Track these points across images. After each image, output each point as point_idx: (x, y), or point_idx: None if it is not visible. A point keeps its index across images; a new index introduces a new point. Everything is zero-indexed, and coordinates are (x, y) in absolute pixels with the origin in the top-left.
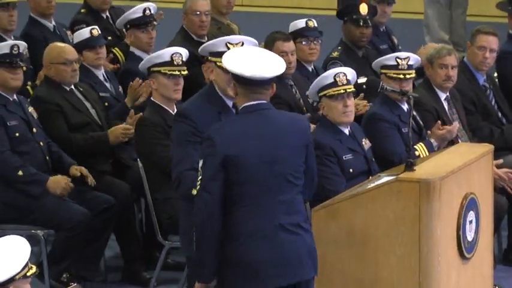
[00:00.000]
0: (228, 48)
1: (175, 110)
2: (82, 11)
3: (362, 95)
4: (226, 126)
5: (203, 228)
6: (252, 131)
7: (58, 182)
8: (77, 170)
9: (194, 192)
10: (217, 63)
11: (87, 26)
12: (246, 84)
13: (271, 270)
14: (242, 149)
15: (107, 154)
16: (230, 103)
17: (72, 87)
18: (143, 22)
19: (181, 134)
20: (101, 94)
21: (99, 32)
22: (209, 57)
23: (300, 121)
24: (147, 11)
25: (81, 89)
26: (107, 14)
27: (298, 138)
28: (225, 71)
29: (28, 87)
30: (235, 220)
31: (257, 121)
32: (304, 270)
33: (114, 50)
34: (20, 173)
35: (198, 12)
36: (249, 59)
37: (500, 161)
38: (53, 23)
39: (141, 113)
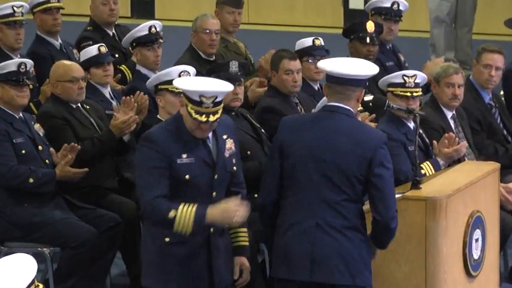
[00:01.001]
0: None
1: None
2: (88, 28)
3: (373, 116)
4: (296, 116)
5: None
6: (314, 126)
7: (66, 172)
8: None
9: (172, 214)
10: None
11: (94, 43)
12: (333, 82)
13: (300, 263)
14: (296, 140)
15: (112, 171)
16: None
17: (79, 104)
18: (149, 40)
19: (147, 159)
20: (107, 112)
21: (107, 49)
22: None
23: (370, 134)
24: (153, 29)
25: (87, 107)
26: (113, 31)
27: (356, 148)
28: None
29: (31, 104)
30: (281, 210)
31: (324, 120)
32: (331, 273)
33: (121, 68)
34: (31, 180)
35: (208, 31)
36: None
37: (511, 185)
38: (59, 41)
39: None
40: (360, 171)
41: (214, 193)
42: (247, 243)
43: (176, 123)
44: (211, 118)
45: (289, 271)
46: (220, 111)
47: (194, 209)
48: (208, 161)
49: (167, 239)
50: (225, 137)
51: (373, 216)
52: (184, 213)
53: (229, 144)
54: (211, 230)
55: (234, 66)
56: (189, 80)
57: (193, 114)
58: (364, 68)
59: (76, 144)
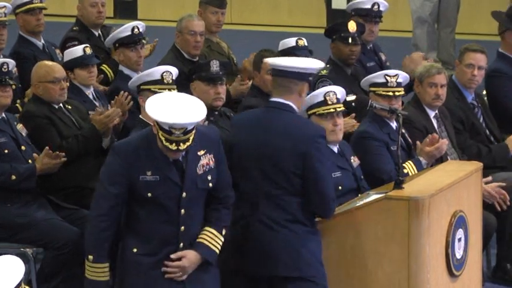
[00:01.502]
0: None
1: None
2: (74, 28)
3: (353, 115)
4: (244, 114)
5: None
6: (257, 124)
7: (45, 164)
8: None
9: (90, 257)
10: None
11: (79, 43)
12: (276, 75)
13: (248, 256)
14: (241, 137)
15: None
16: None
17: (61, 105)
18: (132, 41)
19: (109, 170)
20: (90, 112)
21: (92, 50)
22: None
23: (306, 129)
24: (136, 30)
25: (69, 107)
26: (99, 32)
27: (292, 143)
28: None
29: (17, 105)
30: (235, 203)
31: (266, 117)
32: (277, 266)
33: (103, 67)
34: (13, 177)
35: (193, 32)
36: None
37: (489, 178)
38: (42, 41)
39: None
40: (296, 165)
41: (182, 211)
42: (206, 242)
43: (148, 139)
44: (182, 147)
45: (239, 263)
46: (191, 138)
47: (103, 279)
48: (175, 179)
49: (135, 250)
50: (201, 152)
51: (311, 207)
52: (96, 273)
53: (206, 160)
54: (181, 245)
55: (215, 66)
56: (160, 106)
57: (164, 142)
58: (306, 62)
59: (60, 152)
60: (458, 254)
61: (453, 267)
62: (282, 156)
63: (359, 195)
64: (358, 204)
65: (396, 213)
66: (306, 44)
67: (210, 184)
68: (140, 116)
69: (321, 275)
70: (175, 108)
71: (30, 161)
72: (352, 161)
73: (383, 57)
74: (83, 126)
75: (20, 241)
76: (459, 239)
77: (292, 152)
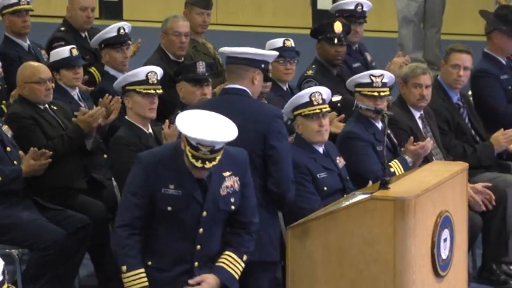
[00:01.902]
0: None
1: (149, 130)
2: (61, 29)
3: (342, 116)
4: (202, 103)
5: None
6: (216, 110)
7: (31, 166)
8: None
9: (123, 268)
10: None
11: (66, 44)
12: (229, 63)
13: None
14: None
15: (80, 172)
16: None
17: (46, 105)
18: (118, 42)
19: (132, 181)
20: (75, 113)
21: (78, 52)
22: None
23: (263, 110)
24: (122, 31)
25: (55, 108)
26: (86, 33)
27: (252, 125)
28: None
29: (3, 106)
30: None
31: (223, 103)
32: None
33: (91, 70)
34: (0, 178)
35: (178, 33)
36: None
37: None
38: (28, 42)
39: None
40: (258, 146)
41: (201, 230)
42: (226, 266)
43: (175, 151)
44: (207, 165)
45: None
46: (218, 158)
47: (143, 285)
48: (197, 197)
49: (149, 263)
50: (227, 174)
51: (269, 186)
52: (133, 282)
53: (230, 182)
54: (195, 264)
55: (201, 67)
56: (191, 121)
57: (190, 158)
58: (255, 49)
59: (46, 150)
60: (444, 254)
61: (439, 267)
62: (243, 137)
63: (345, 195)
64: (343, 205)
65: (382, 214)
66: (293, 44)
67: (233, 207)
68: (126, 117)
69: (276, 259)
70: (206, 126)
71: (15, 162)
72: (337, 161)
73: (368, 58)
74: (68, 127)
75: (5, 242)
76: (445, 239)
77: (252, 133)
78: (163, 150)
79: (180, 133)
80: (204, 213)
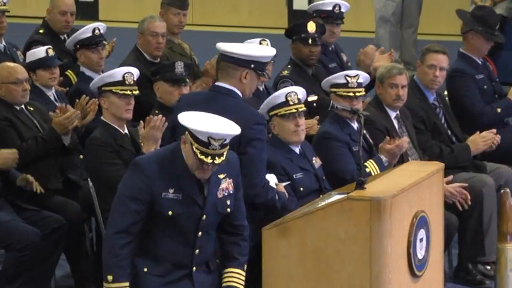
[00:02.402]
0: None
1: (125, 130)
2: (40, 31)
3: (317, 117)
4: (190, 95)
5: None
6: (203, 108)
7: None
8: (22, 179)
9: (109, 278)
10: None
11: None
12: (220, 60)
13: None
14: None
15: (56, 172)
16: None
17: (23, 106)
18: (93, 42)
19: (128, 186)
20: (51, 114)
21: (54, 52)
22: None
23: (244, 114)
24: (97, 31)
25: (31, 109)
26: (65, 36)
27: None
28: None
29: None
30: None
31: (210, 101)
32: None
33: (68, 73)
34: None
35: (155, 34)
36: None
37: (450, 177)
38: (3, 43)
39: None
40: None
41: (200, 233)
42: (237, 285)
43: (172, 154)
44: (217, 160)
45: None
46: (225, 154)
47: None
48: (197, 200)
49: (145, 269)
50: (222, 176)
51: (243, 187)
52: None
53: (226, 184)
54: (194, 268)
55: (179, 67)
56: (196, 118)
57: (199, 155)
58: (248, 49)
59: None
60: (420, 254)
61: (415, 267)
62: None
63: (321, 196)
64: (320, 205)
65: (358, 214)
66: (269, 45)
67: (228, 209)
68: (102, 118)
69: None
70: (212, 121)
71: None
72: (313, 161)
73: (344, 58)
74: (44, 128)
75: None
76: (421, 239)
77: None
78: (161, 154)
79: (173, 135)
80: (204, 216)
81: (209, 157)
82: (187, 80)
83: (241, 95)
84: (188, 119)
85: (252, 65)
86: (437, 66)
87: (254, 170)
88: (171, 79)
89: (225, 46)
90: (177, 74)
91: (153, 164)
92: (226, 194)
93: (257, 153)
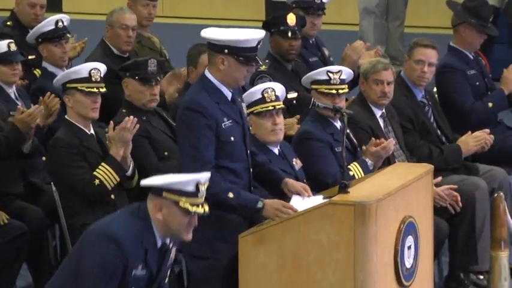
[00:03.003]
0: None
1: (91, 131)
2: (8, 23)
3: (298, 116)
4: None
5: None
6: None
7: None
8: None
9: (230, 195)
10: None
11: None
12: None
13: None
14: None
15: (17, 175)
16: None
17: None
18: (56, 35)
19: (107, 262)
20: (11, 113)
21: (17, 46)
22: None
23: (183, 98)
24: (60, 23)
25: None
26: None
27: None
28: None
29: None
30: None
31: None
32: None
33: (36, 72)
34: None
35: (125, 26)
36: None
37: (439, 179)
38: None
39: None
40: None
41: None
42: None
43: (144, 224)
44: (206, 207)
45: None
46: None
47: None
48: (154, 275)
49: None
50: (171, 244)
51: None
52: None
53: (173, 253)
54: None
55: (152, 65)
56: (171, 176)
57: (191, 208)
58: (220, 32)
59: None
60: (408, 262)
61: (403, 276)
62: None
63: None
64: (300, 210)
65: (341, 219)
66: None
67: (167, 280)
68: (66, 117)
69: (213, 253)
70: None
71: None
72: (294, 163)
73: (326, 53)
74: (3, 127)
75: None
76: (409, 247)
77: None
78: (131, 225)
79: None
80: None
81: (200, 206)
82: (159, 79)
83: (219, 83)
84: (165, 179)
85: (226, 50)
86: (426, 61)
87: (183, 159)
88: (142, 78)
89: (203, 31)
90: (149, 73)
91: (131, 237)
92: (169, 264)
93: (184, 140)
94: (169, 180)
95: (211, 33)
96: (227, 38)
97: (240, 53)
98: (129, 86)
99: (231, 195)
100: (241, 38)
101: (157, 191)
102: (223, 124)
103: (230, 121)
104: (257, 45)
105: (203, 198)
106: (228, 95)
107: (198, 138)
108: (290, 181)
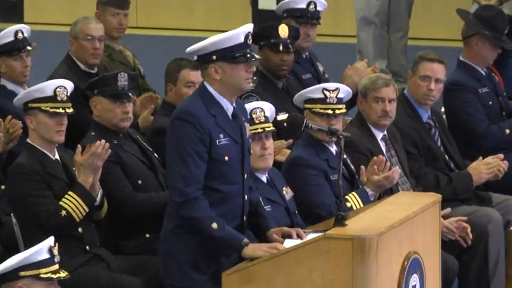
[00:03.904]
0: None
1: (56, 156)
2: None
3: (290, 141)
4: None
5: None
6: None
7: None
8: None
9: (214, 226)
10: None
11: None
12: None
13: None
14: None
15: None
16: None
17: None
18: (16, 48)
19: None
20: None
21: None
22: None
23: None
24: (20, 35)
25: None
26: None
27: None
28: None
29: None
30: None
31: None
32: None
33: None
34: None
35: (90, 37)
36: None
37: (448, 210)
38: None
39: None
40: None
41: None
42: None
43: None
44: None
45: None
46: None
47: None
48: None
49: None
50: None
51: None
52: None
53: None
54: None
55: (123, 80)
56: None
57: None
58: (204, 41)
59: None
60: None
61: None
62: None
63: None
64: (291, 245)
65: (337, 256)
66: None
67: None
68: (28, 140)
69: (181, 279)
70: None
71: None
72: (284, 192)
73: (320, 68)
74: None
75: None
76: (413, 286)
77: None
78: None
79: None
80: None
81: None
82: (131, 96)
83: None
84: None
85: (214, 57)
86: (432, 77)
87: (170, 172)
88: (112, 94)
89: (188, 48)
90: (119, 88)
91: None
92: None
93: (173, 151)
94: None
95: (195, 46)
96: (210, 42)
97: (228, 54)
98: (98, 105)
99: (214, 225)
100: (224, 37)
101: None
102: (217, 141)
103: (227, 138)
104: (246, 39)
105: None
106: (229, 109)
107: (187, 152)
108: (276, 230)
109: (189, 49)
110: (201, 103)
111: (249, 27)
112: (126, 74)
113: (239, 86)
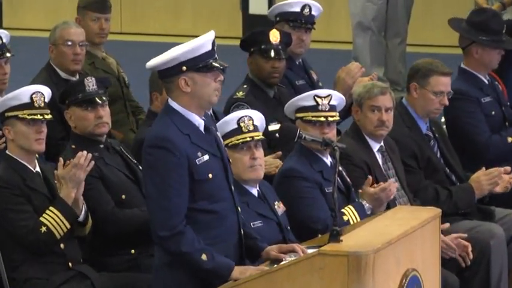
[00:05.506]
0: None
1: (36, 168)
2: None
3: (279, 153)
4: None
5: None
6: None
7: None
8: None
9: (204, 258)
10: None
11: None
12: None
13: None
14: None
15: None
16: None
17: None
18: None
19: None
20: None
21: None
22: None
23: (148, 132)
24: None
25: None
26: None
27: None
28: None
29: None
30: None
31: None
32: None
33: None
34: None
35: (71, 43)
36: None
37: (447, 225)
38: None
39: None
40: None
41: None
42: None
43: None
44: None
45: None
46: None
47: None
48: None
49: None
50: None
51: None
52: None
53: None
54: None
55: (90, 84)
56: None
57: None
58: (170, 52)
59: None
60: None
61: None
62: None
63: None
64: (283, 262)
65: (332, 273)
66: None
67: None
68: (6, 152)
69: None
70: None
71: None
72: (276, 207)
73: (314, 76)
74: None
75: None
76: None
77: None
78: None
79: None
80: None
81: None
82: (105, 99)
83: (186, 111)
84: None
85: (184, 67)
86: (445, 92)
87: (151, 206)
88: (83, 101)
89: (148, 64)
90: (88, 93)
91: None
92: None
93: (152, 183)
94: None
95: (159, 59)
96: (180, 52)
97: (199, 62)
98: (72, 116)
99: (204, 257)
100: (195, 45)
101: None
102: (197, 160)
103: (206, 155)
104: (213, 47)
105: None
106: (200, 124)
107: (165, 181)
108: (273, 247)
109: (151, 63)
110: (171, 124)
111: (213, 34)
112: (93, 78)
113: (209, 99)
